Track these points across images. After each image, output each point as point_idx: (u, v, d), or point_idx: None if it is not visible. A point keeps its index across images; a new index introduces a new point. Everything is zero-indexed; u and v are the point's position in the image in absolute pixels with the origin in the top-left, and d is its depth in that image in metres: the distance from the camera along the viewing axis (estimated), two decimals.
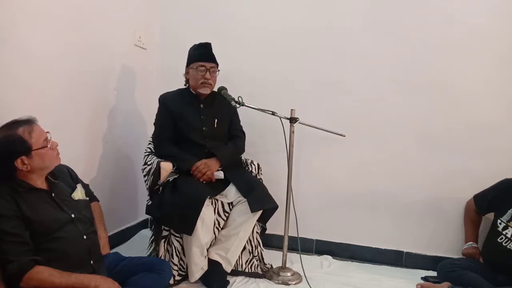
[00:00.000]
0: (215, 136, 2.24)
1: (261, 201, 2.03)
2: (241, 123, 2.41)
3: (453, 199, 2.40)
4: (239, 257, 2.11)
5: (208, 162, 2.10)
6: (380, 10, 2.47)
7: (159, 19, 2.87)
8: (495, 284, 1.90)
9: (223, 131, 2.29)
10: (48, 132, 1.43)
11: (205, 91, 2.19)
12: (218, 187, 2.13)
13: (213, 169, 2.10)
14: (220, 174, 2.13)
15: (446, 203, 2.42)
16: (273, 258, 2.34)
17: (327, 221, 2.62)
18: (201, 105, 2.24)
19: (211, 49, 2.21)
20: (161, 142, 2.22)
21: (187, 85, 2.29)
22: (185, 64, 2.28)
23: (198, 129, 2.20)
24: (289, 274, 2.18)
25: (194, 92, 2.25)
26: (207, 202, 1.96)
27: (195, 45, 2.23)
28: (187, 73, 2.25)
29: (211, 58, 2.19)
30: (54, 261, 1.34)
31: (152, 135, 2.30)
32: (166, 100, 2.24)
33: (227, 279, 2.05)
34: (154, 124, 2.29)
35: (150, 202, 2.09)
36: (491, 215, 2.14)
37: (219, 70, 2.23)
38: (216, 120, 2.23)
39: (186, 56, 2.27)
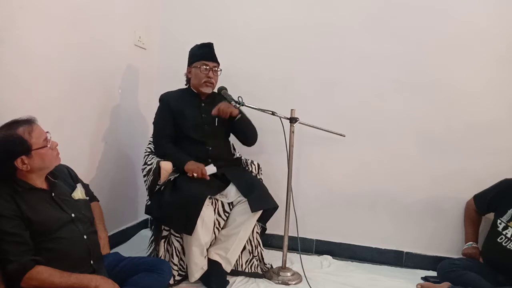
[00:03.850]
0: (216, 134, 2.24)
1: (261, 201, 2.03)
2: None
3: (453, 199, 2.40)
4: (239, 257, 2.11)
5: (197, 163, 2.06)
6: (380, 10, 2.47)
7: (159, 19, 2.87)
8: (495, 284, 1.90)
9: (224, 130, 2.29)
10: (48, 132, 1.43)
11: (208, 90, 2.21)
12: (218, 186, 2.12)
13: (200, 165, 2.06)
14: (213, 169, 2.10)
15: (446, 203, 2.42)
16: (273, 258, 2.34)
17: (327, 221, 2.62)
18: (202, 104, 2.25)
19: (213, 48, 2.23)
20: (159, 141, 2.22)
21: (188, 85, 2.31)
22: (185, 64, 2.29)
23: (199, 126, 2.20)
24: (289, 274, 2.18)
25: (195, 91, 2.26)
26: (207, 202, 1.96)
27: (197, 45, 2.25)
28: (189, 72, 2.27)
29: (214, 58, 2.22)
30: (54, 261, 1.34)
31: (152, 134, 2.31)
32: (167, 98, 2.25)
33: (227, 279, 2.05)
34: (153, 123, 2.29)
35: (149, 202, 2.10)
36: (491, 215, 2.14)
37: (220, 70, 2.25)
38: (217, 119, 2.22)
39: (186, 56, 2.28)
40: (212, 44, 2.24)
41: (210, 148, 2.19)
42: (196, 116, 2.22)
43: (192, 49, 2.26)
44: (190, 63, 2.25)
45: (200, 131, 2.20)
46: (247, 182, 2.11)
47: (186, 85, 2.32)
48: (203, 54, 2.20)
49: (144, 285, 1.48)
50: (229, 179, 2.14)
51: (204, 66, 2.18)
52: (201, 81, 2.19)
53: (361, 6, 2.50)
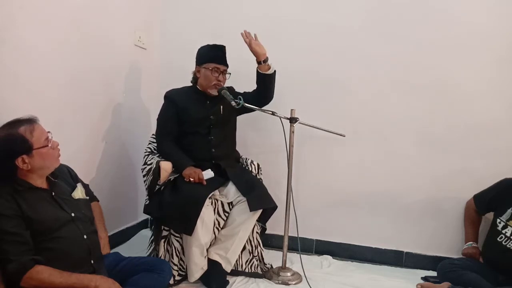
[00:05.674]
0: (221, 123, 2.23)
1: (260, 201, 2.03)
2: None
3: (453, 199, 2.40)
4: (239, 257, 2.11)
5: (194, 168, 2.07)
6: (381, 10, 2.47)
7: (159, 19, 2.87)
8: (495, 284, 1.90)
9: (230, 120, 2.30)
10: (49, 132, 1.43)
11: (216, 92, 2.19)
12: (218, 181, 2.12)
13: (197, 170, 2.06)
14: (210, 173, 2.10)
15: (446, 203, 2.42)
16: (273, 258, 2.34)
17: (327, 221, 2.62)
18: (207, 102, 2.24)
19: (225, 52, 2.22)
20: (161, 139, 2.23)
21: (194, 83, 2.29)
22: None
23: (204, 119, 2.20)
24: (289, 274, 2.18)
25: (200, 89, 2.25)
26: (207, 202, 1.97)
27: (209, 45, 2.22)
28: (198, 71, 2.24)
29: (225, 61, 2.21)
30: (54, 261, 1.34)
31: (155, 131, 2.31)
32: (172, 95, 2.24)
33: (227, 279, 2.05)
34: (157, 120, 2.28)
35: (147, 202, 2.09)
36: (491, 215, 2.14)
37: (229, 73, 2.24)
38: (222, 107, 2.22)
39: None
40: (225, 47, 2.22)
41: (212, 138, 2.19)
42: (202, 110, 2.21)
43: (203, 48, 2.23)
44: (201, 62, 2.21)
45: (205, 123, 2.20)
46: (247, 182, 2.11)
47: (192, 82, 2.30)
48: (215, 56, 2.18)
49: (144, 285, 1.48)
50: (229, 178, 2.14)
51: (216, 69, 2.17)
52: (210, 83, 2.18)
53: (361, 6, 2.50)
